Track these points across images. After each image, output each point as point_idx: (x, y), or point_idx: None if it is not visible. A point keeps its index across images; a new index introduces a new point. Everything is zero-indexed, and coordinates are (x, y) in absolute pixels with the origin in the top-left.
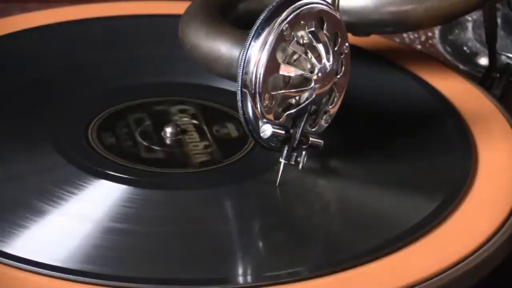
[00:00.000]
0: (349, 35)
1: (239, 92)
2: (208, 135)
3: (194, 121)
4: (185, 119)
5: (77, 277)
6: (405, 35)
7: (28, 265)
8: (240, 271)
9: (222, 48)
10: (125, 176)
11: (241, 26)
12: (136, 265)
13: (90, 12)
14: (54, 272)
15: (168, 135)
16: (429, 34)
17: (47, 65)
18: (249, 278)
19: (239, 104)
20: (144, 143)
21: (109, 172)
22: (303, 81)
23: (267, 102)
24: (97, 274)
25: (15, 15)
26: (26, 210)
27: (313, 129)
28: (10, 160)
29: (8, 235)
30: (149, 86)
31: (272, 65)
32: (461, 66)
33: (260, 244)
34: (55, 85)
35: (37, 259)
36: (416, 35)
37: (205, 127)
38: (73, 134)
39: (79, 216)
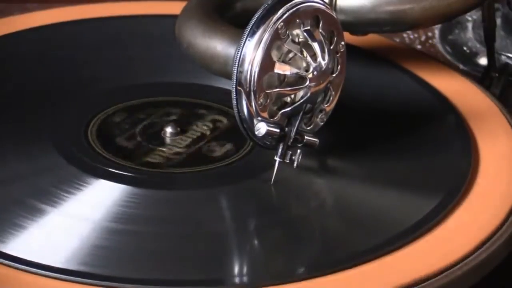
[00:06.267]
0: (348, 35)
1: (234, 90)
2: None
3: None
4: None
5: (77, 277)
6: (405, 35)
7: (28, 265)
8: (240, 271)
9: (218, 46)
10: (125, 176)
11: (239, 25)
12: (136, 266)
13: (90, 12)
14: (53, 273)
15: (168, 135)
16: (429, 34)
17: (47, 65)
18: (249, 278)
19: (234, 102)
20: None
21: (109, 172)
22: (298, 80)
23: (261, 100)
24: (96, 275)
25: (15, 15)
26: (26, 210)
27: (309, 128)
28: (10, 160)
29: (8, 235)
30: (149, 86)
31: (267, 63)
32: (461, 66)
33: (260, 244)
34: (55, 85)
35: (37, 259)
36: (416, 35)
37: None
38: (73, 134)
39: (79, 216)
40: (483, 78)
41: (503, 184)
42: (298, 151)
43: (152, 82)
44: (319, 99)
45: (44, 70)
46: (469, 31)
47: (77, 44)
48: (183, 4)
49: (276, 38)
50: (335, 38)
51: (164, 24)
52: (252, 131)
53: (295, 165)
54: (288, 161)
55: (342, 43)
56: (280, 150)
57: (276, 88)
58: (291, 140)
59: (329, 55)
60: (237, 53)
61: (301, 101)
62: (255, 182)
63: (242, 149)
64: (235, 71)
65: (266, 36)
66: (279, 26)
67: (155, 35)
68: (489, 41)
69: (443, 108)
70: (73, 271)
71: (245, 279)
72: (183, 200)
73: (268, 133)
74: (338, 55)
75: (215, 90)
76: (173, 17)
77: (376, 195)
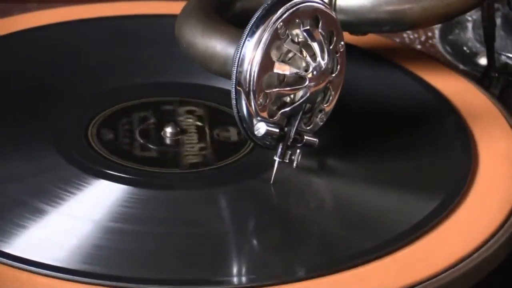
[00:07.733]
0: (347, 35)
1: (233, 90)
2: (208, 136)
3: (196, 122)
4: (187, 119)
5: (77, 277)
6: (405, 35)
7: (28, 265)
8: (240, 271)
9: (218, 46)
10: (125, 176)
11: (238, 24)
12: (136, 265)
13: (90, 12)
14: (54, 272)
15: (168, 135)
16: (429, 34)
17: (47, 65)
18: (248, 278)
19: (233, 102)
20: (144, 143)
21: (109, 172)
22: (298, 80)
23: (261, 100)
24: (97, 274)
25: (15, 15)
26: (26, 210)
27: (308, 128)
28: (10, 160)
29: (8, 235)
30: (149, 86)
31: (266, 63)
32: (461, 66)
33: (260, 244)
34: (55, 85)
35: (37, 259)
36: (416, 35)
37: (206, 128)
38: (73, 134)
39: (79, 216)
40: (482, 78)
41: (503, 184)
42: (298, 151)
43: (152, 82)
44: (319, 99)
45: (44, 70)
46: (469, 31)
47: (77, 44)
48: (183, 4)
49: (276, 38)
50: (335, 38)
51: (164, 24)
52: (252, 131)
53: (294, 165)
54: (287, 161)
55: (342, 43)
56: (279, 150)
57: (276, 88)
58: (290, 140)
59: (328, 55)
60: (237, 53)
61: (301, 101)
62: (254, 182)
63: (241, 149)
64: (235, 71)
65: (266, 36)
66: (278, 26)
67: (155, 35)
68: (489, 41)
69: (443, 108)
70: (73, 270)
71: (244, 279)
72: (183, 200)
73: (267, 133)
74: (337, 55)
75: (215, 90)
76: (173, 17)
77: (376, 195)
